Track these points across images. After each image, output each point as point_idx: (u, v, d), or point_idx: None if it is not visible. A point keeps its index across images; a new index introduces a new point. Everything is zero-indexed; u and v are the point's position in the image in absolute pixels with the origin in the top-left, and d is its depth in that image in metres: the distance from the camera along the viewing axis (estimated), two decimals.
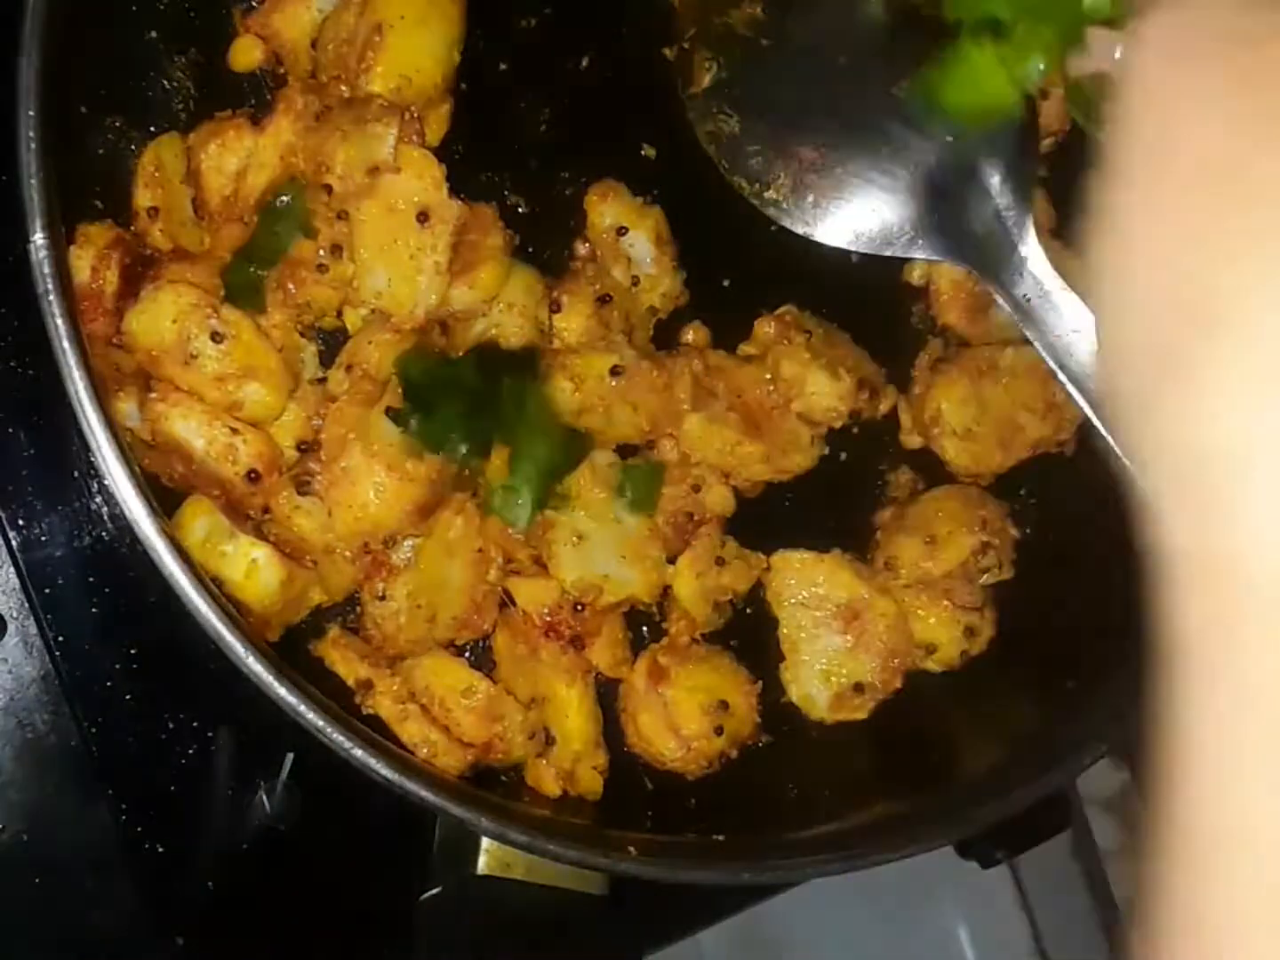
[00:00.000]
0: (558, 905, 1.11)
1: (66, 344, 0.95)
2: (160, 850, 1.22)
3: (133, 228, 1.17)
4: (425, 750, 1.13)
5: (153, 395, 1.11)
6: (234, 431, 1.12)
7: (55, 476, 1.22)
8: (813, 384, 1.28)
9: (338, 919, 1.27)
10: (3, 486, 1.21)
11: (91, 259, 1.11)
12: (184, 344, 1.10)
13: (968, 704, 1.31)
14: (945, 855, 1.25)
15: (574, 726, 1.19)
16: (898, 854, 1.14)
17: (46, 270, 0.95)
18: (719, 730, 1.23)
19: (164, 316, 1.10)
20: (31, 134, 0.95)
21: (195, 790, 1.23)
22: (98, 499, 1.23)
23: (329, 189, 1.14)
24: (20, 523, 1.21)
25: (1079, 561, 1.37)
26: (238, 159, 1.16)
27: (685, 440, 1.26)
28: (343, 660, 1.15)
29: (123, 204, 1.17)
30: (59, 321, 0.96)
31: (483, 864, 1.09)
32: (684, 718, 1.22)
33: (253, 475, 1.13)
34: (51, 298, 0.95)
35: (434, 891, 1.11)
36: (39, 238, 0.95)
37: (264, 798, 1.23)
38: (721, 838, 1.16)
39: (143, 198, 1.17)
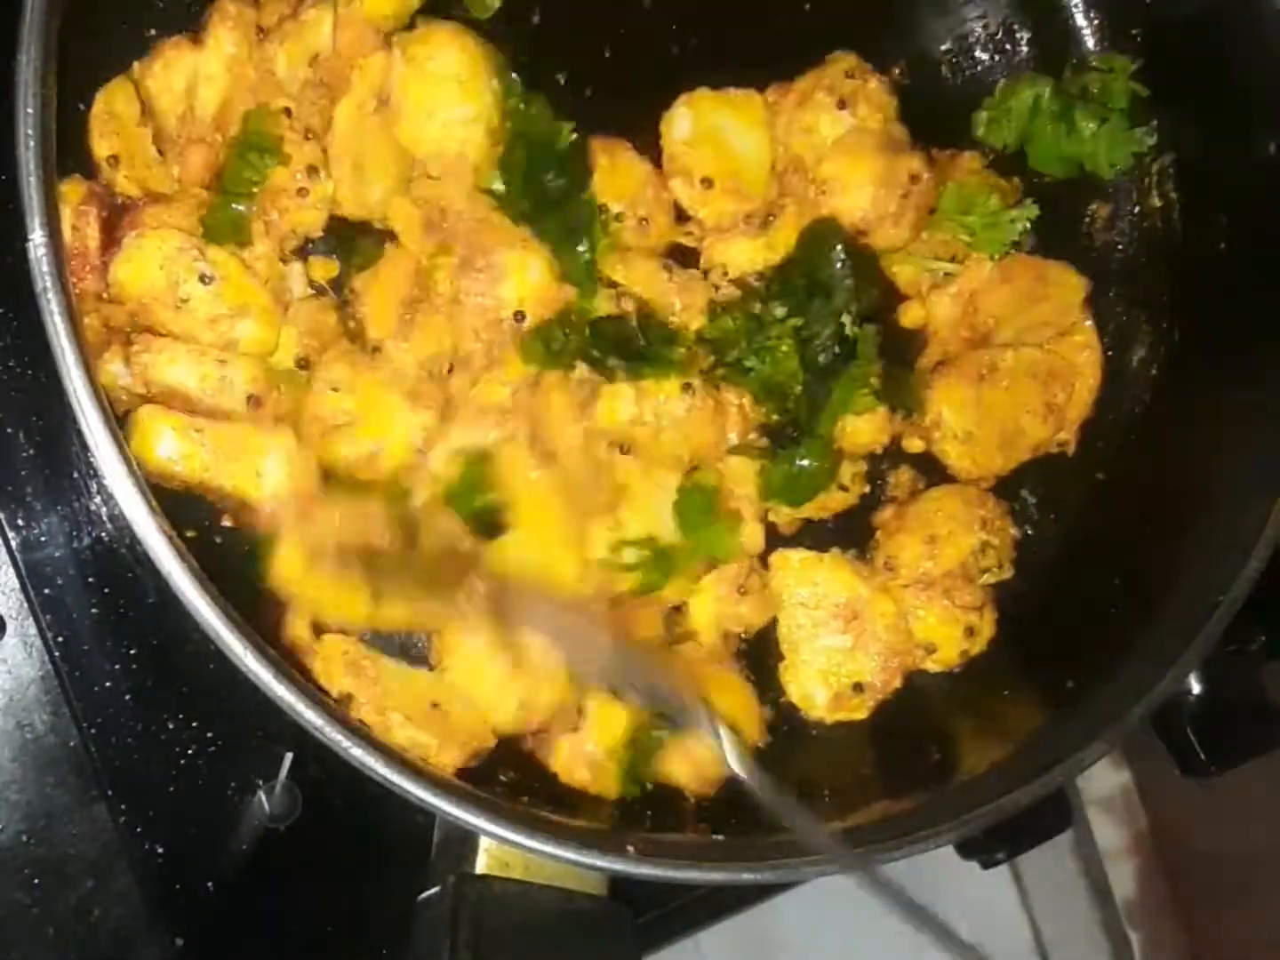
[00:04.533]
0: (557, 905, 1.10)
1: (65, 342, 0.95)
2: (160, 850, 1.22)
3: (98, 179, 1.16)
4: (415, 753, 1.12)
5: (135, 348, 1.12)
6: (223, 363, 1.13)
7: (55, 477, 1.22)
8: (850, 422, 1.29)
9: (337, 918, 1.27)
10: (2, 487, 1.21)
11: (70, 217, 1.11)
12: (173, 289, 1.11)
13: (968, 704, 1.31)
14: (945, 855, 1.25)
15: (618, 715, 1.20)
16: (898, 854, 1.14)
17: (45, 268, 0.95)
18: None
19: (150, 263, 1.11)
20: (30, 132, 0.95)
21: (195, 790, 1.23)
22: (97, 499, 1.22)
23: (288, 112, 1.16)
24: (20, 523, 1.21)
25: (1079, 561, 1.37)
26: (184, 76, 1.16)
27: (730, 475, 1.27)
28: (325, 672, 1.14)
29: (84, 158, 1.16)
30: (58, 319, 0.95)
31: (481, 863, 1.09)
32: (699, 745, 1.22)
33: (253, 400, 1.13)
34: (50, 295, 0.95)
35: (433, 891, 1.10)
36: (38, 235, 0.95)
37: (263, 798, 1.23)
38: (721, 837, 1.17)
39: (101, 147, 1.16)
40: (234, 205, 1.15)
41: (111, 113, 1.17)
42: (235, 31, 1.16)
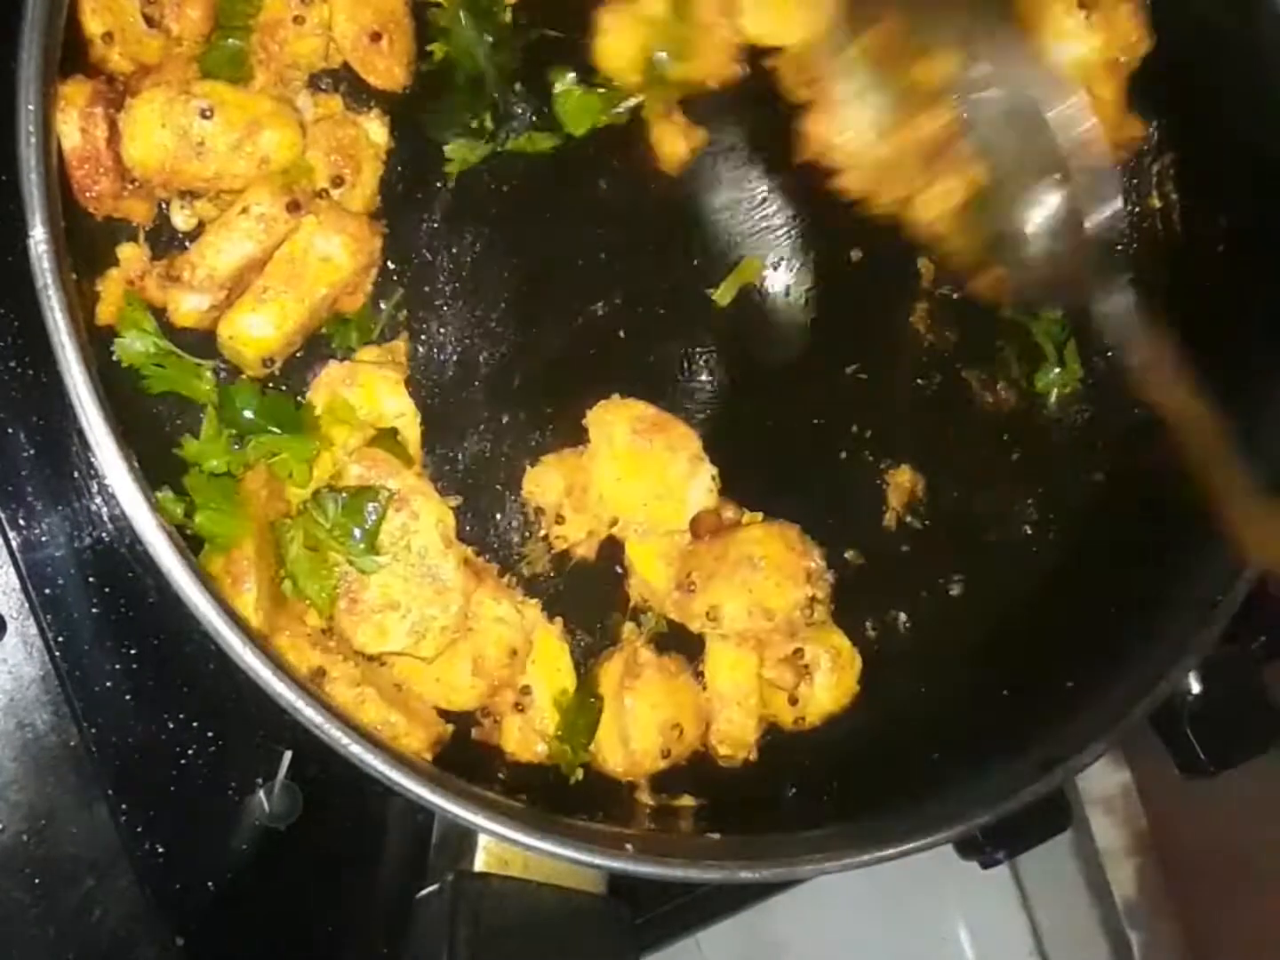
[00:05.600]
0: (555, 903, 1.10)
1: (65, 338, 0.95)
2: (160, 850, 1.22)
3: (90, 59, 1.15)
4: (386, 732, 1.12)
5: (185, 274, 1.12)
6: (245, 211, 1.13)
7: (55, 477, 1.22)
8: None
9: (337, 917, 1.27)
10: (3, 487, 1.21)
11: (78, 120, 1.11)
12: (184, 138, 1.11)
13: (967, 704, 1.31)
14: (945, 855, 1.25)
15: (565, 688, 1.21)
16: (898, 854, 1.14)
17: (46, 265, 0.95)
18: (666, 753, 1.22)
19: (152, 127, 1.10)
20: (31, 129, 0.96)
21: (195, 790, 1.23)
22: (98, 499, 1.22)
23: None
24: (20, 523, 1.21)
25: (1078, 562, 1.37)
26: None
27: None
28: (293, 649, 1.13)
29: (78, 46, 1.13)
30: (58, 316, 0.96)
31: (480, 861, 1.09)
32: (639, 732, 1.22)
33: (292, 205, 1.14)
34: (51, 292, 0.95)
35: (432, 888, 1.10)
36: (39, 232, 0.95)
37: (263, 797, 1.23)
38: (719, 836, 1.17)
39: (94, 24, 1.14)
40: (230, 40, 1.15)
41: None
42: None
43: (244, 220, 1.13)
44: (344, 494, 1.13)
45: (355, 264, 1.16)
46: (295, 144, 1.15)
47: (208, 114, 1.11)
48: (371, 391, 1.19)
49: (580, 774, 1.21)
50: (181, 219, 1.18)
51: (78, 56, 1.13)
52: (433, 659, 1.16)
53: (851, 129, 1.26)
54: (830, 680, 1.29)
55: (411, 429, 1.20)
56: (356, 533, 1.12)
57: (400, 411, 1.20)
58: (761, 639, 1.26)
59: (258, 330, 1.14)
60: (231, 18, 1.15)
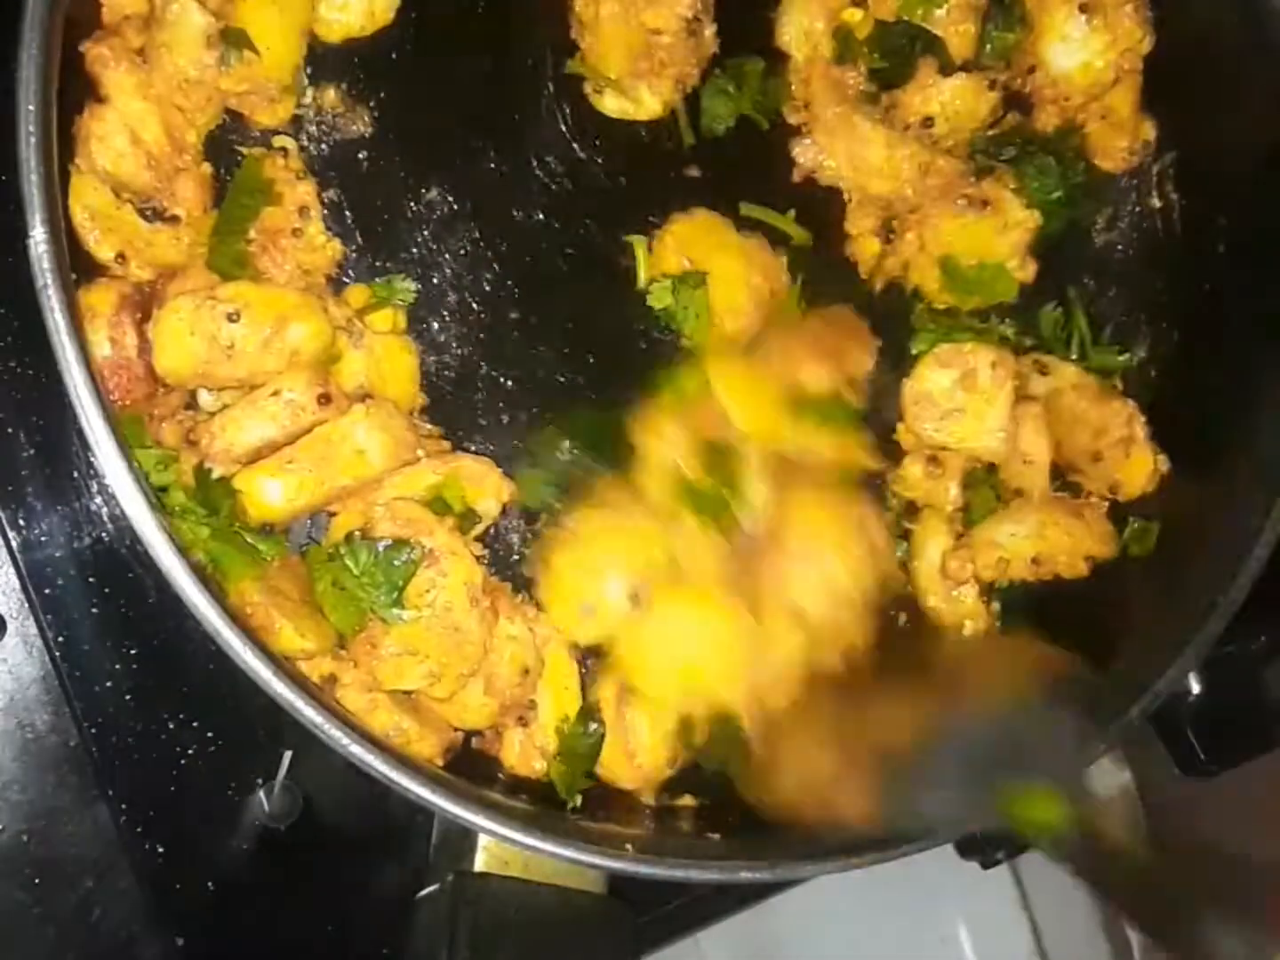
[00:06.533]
0: (556, 903, 1.10)
1: (65, 338, 0.95)
2: (160, 850, 1.22)
3: (109, 275, 1.15)
4: (397, 738, 1.12)
5: (204, 440, 1.12)
6: (277, 393, 1.12)
7: (55, 477, 1.22)
8: None
9: (337, 917, 1.27)
10: (3, 487, 1.21)
11: (105, 329, 1.11)
12: (214, 344, 1.11)
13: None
14: (945, 855, 1.25)
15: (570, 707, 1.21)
16: (898, 854, 1.14)
17: (46, 265, 0.95)
18: (673, 761, 1.22)
19: (181, 338, 1.10)
20: (31, 129, 0.96)
21: (195, 790, 1.23)
22: (97, 499, 1.22)
23: (284, 152, 1.18)
24: (20, 523, 1.21)
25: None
26: (120, 133, 1.13)
27: None
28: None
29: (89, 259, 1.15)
30: (58, 317, 0.96)
31: (480, 861, 1.09)
32: (643, 748, 1.21)
33: (323, 398, 1.13)
34: (51, 292, 0.96)
35: (432, 889, 1.10)
36: (38, 231, 0.95)
37: (263, 797, 1.23)
38: (719, 836, 1.17)
39: (103, 250, 1.14)
40: (233, 243, 1.15)
41: (90, 210, 1.13)
42: (122, 66, 1.13)
43: (272, 403, 1.13)
44: (380, 544, 1.12)
45: (386, 465, 1.15)
46: (323, 333, 1.15)
47: (234, 317, 1.11)
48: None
49: (578, 800, 1.19)
50: (210, 400, 1.17)
51: (97, 263, 1.13)
52: (448, 699, 1.16)
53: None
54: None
55: None
56: (384, 584, 1.12)
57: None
58: None
59: (270, 496, 1.13)
60: (230, 223, 1.16)
